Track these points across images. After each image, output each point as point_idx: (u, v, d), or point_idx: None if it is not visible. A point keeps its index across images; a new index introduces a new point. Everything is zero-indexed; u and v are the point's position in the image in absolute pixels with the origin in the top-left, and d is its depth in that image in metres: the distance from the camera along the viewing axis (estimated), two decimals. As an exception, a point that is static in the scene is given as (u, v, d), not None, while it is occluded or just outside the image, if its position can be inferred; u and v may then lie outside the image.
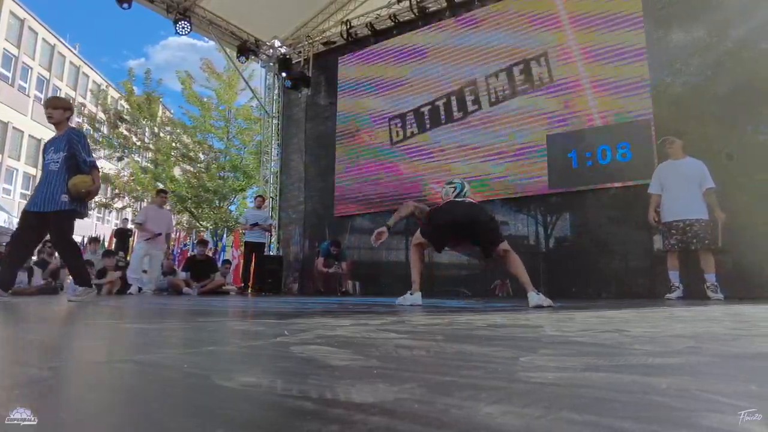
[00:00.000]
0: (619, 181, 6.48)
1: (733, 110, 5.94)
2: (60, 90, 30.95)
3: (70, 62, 32.18)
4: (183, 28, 8.61)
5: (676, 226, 5.14)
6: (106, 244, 13.35)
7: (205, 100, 17.98)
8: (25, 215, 4.20)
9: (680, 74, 6.42)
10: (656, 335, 1.31)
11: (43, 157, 4.34)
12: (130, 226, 12.31)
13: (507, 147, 7.41)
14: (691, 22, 6.36)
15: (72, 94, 32.00)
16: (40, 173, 4.31)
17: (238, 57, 9.94)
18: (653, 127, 6.29)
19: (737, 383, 0.65)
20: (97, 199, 22.65)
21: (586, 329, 1.50)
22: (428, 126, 8.33)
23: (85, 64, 33.78)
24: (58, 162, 4.19)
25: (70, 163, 4.18)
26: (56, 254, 9.39)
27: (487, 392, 0.57)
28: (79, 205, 4.20)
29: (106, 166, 19.38)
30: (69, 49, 32.11)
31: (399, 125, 8.72)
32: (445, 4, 8.40)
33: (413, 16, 8.71)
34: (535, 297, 3.77)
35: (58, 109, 4.35)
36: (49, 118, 4.35)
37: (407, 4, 8.64)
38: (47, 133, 29.06)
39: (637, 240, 6.37)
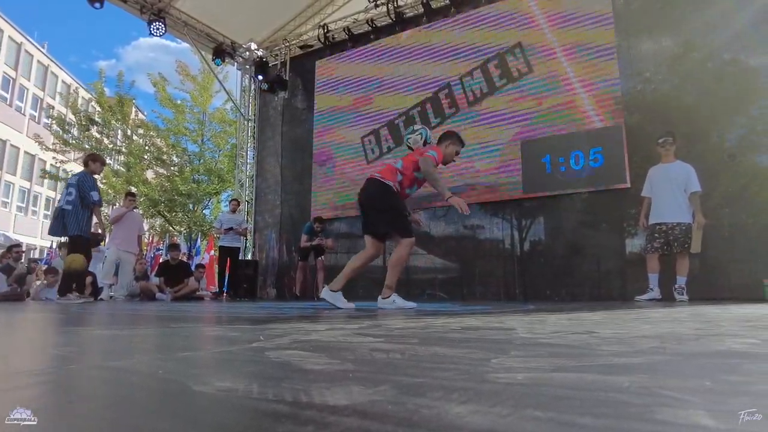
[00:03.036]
0: (592, 186, 6.64)
1: (700, 118, 6.16)
2: (27, 90, 30.07)
3: (38, 61, 31.29)
4: (157, 29, 8.48)
5: (659, 229, 5.26)
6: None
7: (179, 102, 17.71)
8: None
9: (650, 82, 6.63)
10: (623, 336, 1.35)
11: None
12: (100, 230, 12.01)
13: (488, 148, 7.45)
14: (660, 31, 6.58)
15: (40, 94, 31.14)
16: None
17: (213, 59, 9.84)
18: (624, 133, 6.47)
19: (693, 380, 0.69)
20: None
21: (557, 331, 1.54)
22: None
23: (54, 63, 32.89)
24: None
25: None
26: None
27: (457, 393, 0.59)
28: None
29: (76, 169, 18.90)
30: (37, 47, 31.22)
31: (373, 142, 8.65)
32: (421, 10, 8.49)
33: (390, 21, 8.77)
34: (384, 302, 3.82)
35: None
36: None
37: (384, 9, 8.69)
38: (12, 134, 28.19)
39: (609, 243, 6.54)
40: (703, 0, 6.31)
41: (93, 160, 6.11)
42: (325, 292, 3.83)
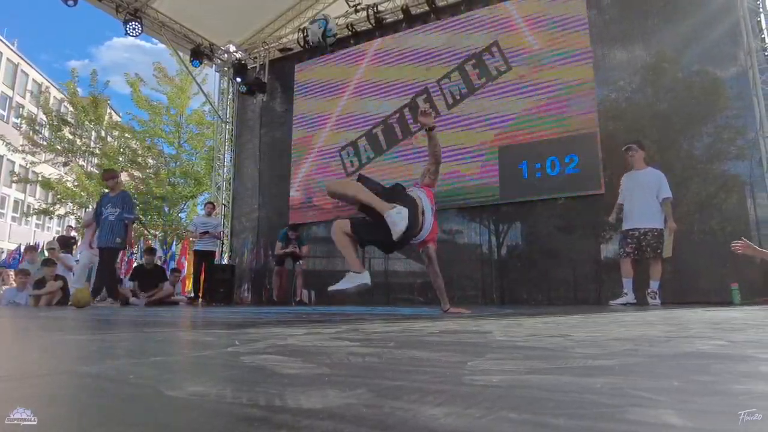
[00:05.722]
0: (568, 191, 6.74)
1: (670, 126, 6.34)
2: (-5, 88, 29.18)
3: (8, 59, 30.38)
4: (133, 29, 8.33)
5: (632, 234, 5.35)
6: (46, 252, 12.62)
7: (155, 104, 17.42)
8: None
9: (623, 91, 6.79)
10: (597, 339, 1.37)
11: (102, 211, 6.27)
12: (73, 234, 11.70)
13: (470, 152, 7.48)
14: (632, 42, 6.75)
15: (9, 93, 30.25)
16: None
17: (191, 61, 9.71)
18: (599, 140, 6.59)
19: (663, 380, 0.70)
20: (36, 205, 21.43)
21: (533, 334, 1.55)
22: (385, 147, 8.16)
23: (25, 61, 31.98)
24: (114, 215, 6.20)
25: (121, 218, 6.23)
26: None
27: (433, 395, 0.59)
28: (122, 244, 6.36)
29: (47, 170, 18.44)
30: (6, 44, 30.33)
31: (351, 154, 8.58)
32: (401, 16, 8.53)
33: (370, 26, 8.80)
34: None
35: (110, 179, 6.51)
36: (106, 187, 6.52)
37: (364, 14, 8.71)
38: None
39: (585, 248, 6.65)
40: (674, 13, 6.50)
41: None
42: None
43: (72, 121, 17.32)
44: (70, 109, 17.81)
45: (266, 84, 10.02)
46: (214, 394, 0.62)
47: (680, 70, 6.44)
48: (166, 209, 17.66)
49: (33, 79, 32.18)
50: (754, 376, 0.76)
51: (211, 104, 11.66)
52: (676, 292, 5.66)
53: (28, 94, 29.54)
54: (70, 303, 6.52)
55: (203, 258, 8.48)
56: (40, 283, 7.04)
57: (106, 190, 6.65)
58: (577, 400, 0.57)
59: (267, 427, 0.46)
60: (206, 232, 8.37)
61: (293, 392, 0.62)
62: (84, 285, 7.07)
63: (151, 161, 17.83)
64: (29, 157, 17.50)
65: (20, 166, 21.37)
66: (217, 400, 0.59)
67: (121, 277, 9.01)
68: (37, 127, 17.60)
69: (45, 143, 17.26)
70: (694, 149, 6.26)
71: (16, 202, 30.35)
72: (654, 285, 5.23)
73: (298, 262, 7.99)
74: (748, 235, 5.71)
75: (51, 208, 18.13)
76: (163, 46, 9.92)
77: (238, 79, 9.91)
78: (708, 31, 6.24)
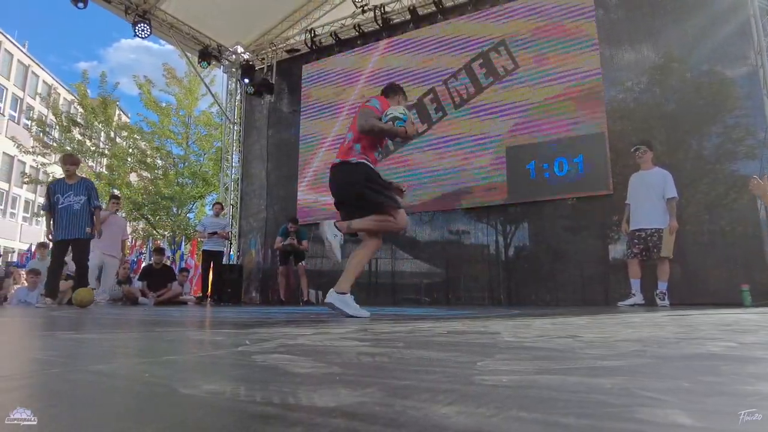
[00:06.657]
0: (575, 192, 6.72)
1: (679, 127, 6.29)
2: (6, 89, 29.49)
3: (18, 61, 30.67)
4: (142, 30, 8.40)
5: (638, 235, 5.33)
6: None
7: (164, 105, 17.55)
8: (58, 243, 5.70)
9: (631, 91, 6.75)
10: (606, 340, 1.37)
11: (58, 198, 5.67)
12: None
13: (475, 149, 7.47)
14: (640, 42, 6.71)
15: (20, 94, 30.56)
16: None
17: (199, 62, 9.78)
18: (607, 141, 6.56)
19: (671, 381, 0.71)
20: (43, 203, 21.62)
21: (541, 335, 1.56)
22: (392, 148, 8.16)
23: (35, 63, 32.29)
24: (80, 203, 5.69)
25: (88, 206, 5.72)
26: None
27: (443, 394, 0.60)
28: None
29: (58, 171, 18.59)
30: (17, 47, 30.64)
31: None
32: (408, 17, 8.54)
33: (377, 27, 8.81)
34: (334, 296, 3.19)
35: (73, 165, 5.86)
36: (67, 172, 5.80)
37: (371, 15, 8.73)
38: (-8, 135, 27.60)
39: (592, 249, 6.62)
40: (682, 13, 6.46)
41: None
42: (331, 296, 3.20)
43: (82, 122, 17.48)
44: (80, 110, 17.97)
45: (274, 85, 10.06)
46: (229, 392, 0.63)
47: (689, 70, 6.39)
48: (175, 209, 17.78)
49: (43, 81, 32.48)
50: (763, 377, 0.76)
51: (219, 105, 11.74)
52: (685, 293, 5.63)
53: (38, 96, 29.83)
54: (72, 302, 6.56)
55: (211, 258, 8.55)
56: (50, 283, 7.10)
57: (62, 177, 5.92)
58: (586, 399, 0.57)
59: (282, 425, 0.47)
60: (215, 233, 8.43)
61: (306, 391, 0.63)
62: (94, 284, 7.12)
63: (159, 162, 17.97)
64: (40, 159, 17.67)
65: (31, 166, 21.59)
66: (232, 398, 0.60)
67: (131, 276, 9.07)
68: (46, 129, 17.78)
69: (55, 144, 17.43)
70: (704, 149, 6.21)
71: (26, 202, 30.65)
72: (662, 286, 5.20)
73: (300, 262, 8.00)
74: (758, 235, 5.66)
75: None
76: (169, 47, 10.02)
77: (246, 80, 9.97)
78: (717, 31, 6.20)
